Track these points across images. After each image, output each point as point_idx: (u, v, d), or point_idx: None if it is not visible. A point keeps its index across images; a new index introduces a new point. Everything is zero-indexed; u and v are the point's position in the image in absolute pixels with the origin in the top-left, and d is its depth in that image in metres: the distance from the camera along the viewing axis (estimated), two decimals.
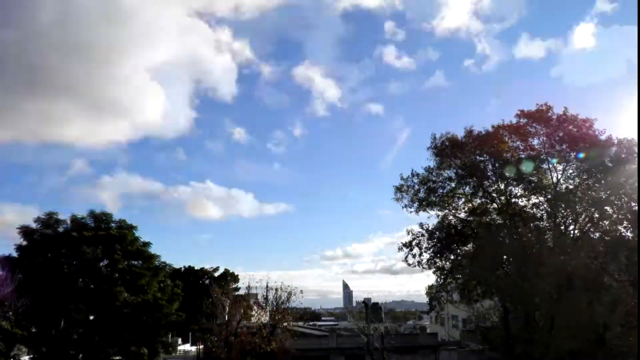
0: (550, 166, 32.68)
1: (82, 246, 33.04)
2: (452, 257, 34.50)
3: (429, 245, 34.48)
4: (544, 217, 32.68)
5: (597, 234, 31.55)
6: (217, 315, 39.38)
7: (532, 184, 32.44)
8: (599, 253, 29.12)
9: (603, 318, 27.43)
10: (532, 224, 32.31)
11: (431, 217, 35.60)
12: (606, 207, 30.91)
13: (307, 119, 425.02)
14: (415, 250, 34.60)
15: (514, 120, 33.28)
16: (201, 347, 44.25)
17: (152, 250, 37.09)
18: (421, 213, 35.40)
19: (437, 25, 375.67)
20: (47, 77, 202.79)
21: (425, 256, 34.36)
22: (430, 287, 37.68)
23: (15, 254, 33.27)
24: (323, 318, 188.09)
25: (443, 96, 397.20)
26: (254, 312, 40.20)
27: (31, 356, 33.58)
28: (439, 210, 35.31)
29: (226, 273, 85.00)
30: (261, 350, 35.11)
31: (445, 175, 35.11)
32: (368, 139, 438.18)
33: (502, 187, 33.69)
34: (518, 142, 33.50)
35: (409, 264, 34.62)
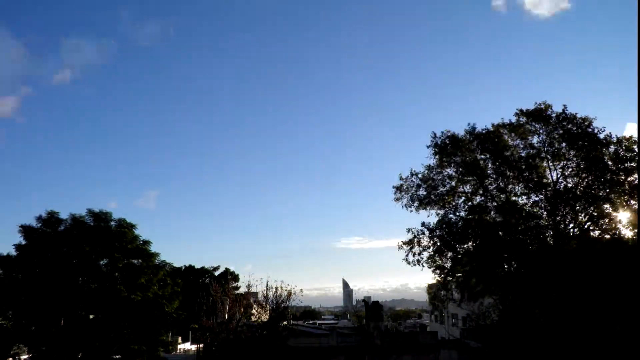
0: (550, 164, 32.69)
1: (82, 245, 33.07)
2: (452, 255, 34.48)
3: (429, 244, 34.47)
4: (544, 215, 32.68)
5: (597, 233, 31.57)
6: (217, 313, 39.44)
7: (532, 183, 32.43)
8: (599, 252, 29.12)
9: (603, 317, 27.47)
10: (531, 223, 32.32)
11: (431, 216, 35.70)
12: (605, 206, 30.92)
13: None
14: (416, 249, 34.59)
15: (514, 119, 33.37)
16: (201, 345, 44.25)
17: (152, 248, 37.11)
18: (421, 212, 35.45)
19: None
20: None
21: (425, 254, 34.35)
22: (431, 286, 37.66)
23: (14, 254, 33.33)
24: (323, 317, 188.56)
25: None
26: (254, 311, 40.29)
27: (31, 355, 33.59)
28: (439, 208, 35.31)
29: (226, 272, 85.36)
30: (261, 348, 35.19)
31: (446, 173, 35.16)
32: None
33: (502, 185, 33.70)
34: (518, 141, 33.60)
35: (409, 262, 34.61)
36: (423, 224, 34.39)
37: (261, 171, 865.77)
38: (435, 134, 34.62)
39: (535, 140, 33.10)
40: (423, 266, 34.50)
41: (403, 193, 35.60)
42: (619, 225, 30.76)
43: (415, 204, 35.23)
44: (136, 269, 35.12)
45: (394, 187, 35.83)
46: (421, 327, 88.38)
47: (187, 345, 67.45)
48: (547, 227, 32.36)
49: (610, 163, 30.92)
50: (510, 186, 33.73)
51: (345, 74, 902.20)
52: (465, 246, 34.20)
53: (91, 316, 33.81)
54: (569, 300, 28.82)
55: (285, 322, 40.08)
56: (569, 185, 32.30)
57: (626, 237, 30.05)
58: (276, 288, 38.88)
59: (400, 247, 35.13)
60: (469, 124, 34.34)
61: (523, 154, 33.07)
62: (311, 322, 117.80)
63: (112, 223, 35.69)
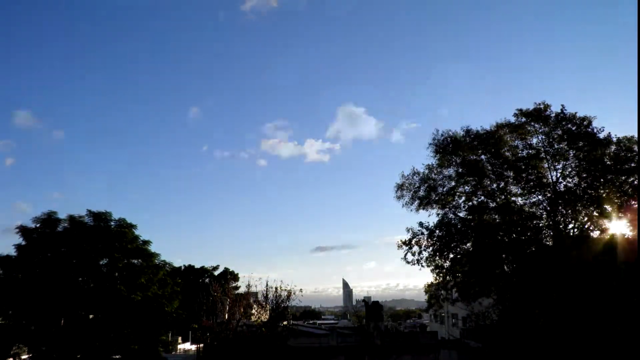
0: (549, 165, 32.69)
1: (81, 245, 33.07)
2: (451, 255, 34.48)
3: (429, 244, 34.44)
4: (543, 215, 32.68)
5: (597, 233, 31.57)
6: (217, 313, 39.47)
7: (531, 183, 32.44)
8: (599, 252, 29.12)
9: (603, 317, 27.46)
10: (531, 223, 32.32)
11: (431, 216, 35.69)
12: (605, 206, 30.91)
13: None
14: (415, 248, 34.58)
15: (513, 119, 33.38)
16: (201, 345, 44.28)
17: (152, 248, 37.10)
18: (421, 211, 35.44)
19: None
20: None
21: (425, 254, 34.34)
22: (429, 285, 37.66)
23: (14, 254, 33.33)
24: (323, 317, 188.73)
25: None
26: (254, 311, 40.33)
27: (31, 355, 33.61)
28: (439, 208, 35.31)
29: (226, 272, 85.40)
30: (261, 348, 35.21)
31: (446, 173, 35.15)
32: None
33: (502, 185, 33.70)
34: (517, 141, 33.60)
35: (408, 262, 34.60)
36: (421, 224, 34.42)
37: (261, 170, 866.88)
38: (437, 131, 34.62)
39: (534, 140, 33.14)
40: (422, 266, 34.53)
41: (404, 191, 35.59)
42: (618, 226, 30.81)
43: (416, 203, 35.23)
44: (136, 269, 35.10)
45: (396, 184, 35.85)
46: (421, 327, 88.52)
47: (187, 345, 67.53)
48: (546, 227, 32.37)
49: (610, 163, 30.90)
50: (510, 186, 33.74)
51: (344, 73, 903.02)
52: (464, 246, 34.22)
53: (91, 316, 33.81)
54: (569, 301, 28.81)
55: (285, 322, 40.12)
56: (569, 185, 32.31)
57: (626, 237, 30.05)
58: (276, 288, 38.95)
59: (399, 247, 35.15)
60: (461, 128, 34.35)
61: (523, 154, 33.07)
62: (311, 322, 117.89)
63: (112, 223, 35.69)
